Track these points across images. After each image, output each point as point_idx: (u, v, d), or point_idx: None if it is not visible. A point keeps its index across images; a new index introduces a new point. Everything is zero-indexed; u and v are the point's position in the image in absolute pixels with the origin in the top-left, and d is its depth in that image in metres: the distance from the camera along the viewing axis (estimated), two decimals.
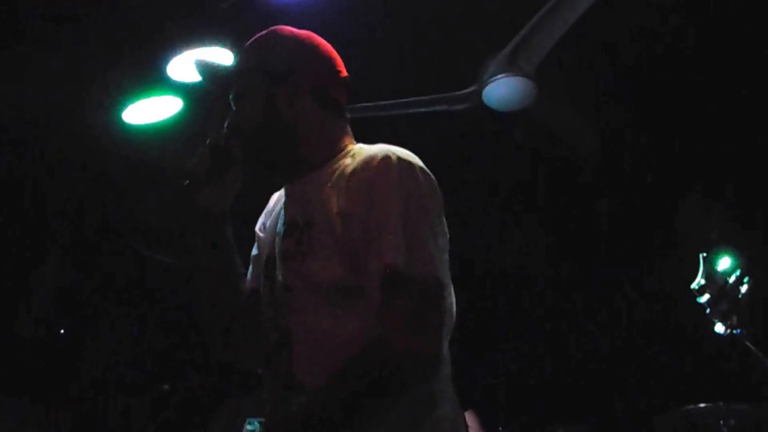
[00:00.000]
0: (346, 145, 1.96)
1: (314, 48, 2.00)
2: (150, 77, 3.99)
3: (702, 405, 3.95)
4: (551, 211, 5.27)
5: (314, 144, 1.95)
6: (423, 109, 4.05)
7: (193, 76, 3.91)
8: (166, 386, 4.92)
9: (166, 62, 3.86)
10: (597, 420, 5.24)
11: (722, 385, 4.40)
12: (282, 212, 1.97)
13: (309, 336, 1.79)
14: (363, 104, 3.85)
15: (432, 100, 4.05)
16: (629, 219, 5.22)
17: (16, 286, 5.05)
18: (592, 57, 4.26)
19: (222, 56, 3.84)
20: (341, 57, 2.03)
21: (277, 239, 1.93)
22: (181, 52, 3.82)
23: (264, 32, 2.03)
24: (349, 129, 2.02)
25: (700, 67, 4.34)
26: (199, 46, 3.82)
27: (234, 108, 1.99)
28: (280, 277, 1.88)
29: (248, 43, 2.03)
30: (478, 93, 4.03)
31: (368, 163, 1.80)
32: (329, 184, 1.85)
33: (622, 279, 5.42)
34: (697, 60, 4.30)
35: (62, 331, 5.24)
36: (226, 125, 1.97)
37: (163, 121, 4.23)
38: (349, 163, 1.86)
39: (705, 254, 3.28)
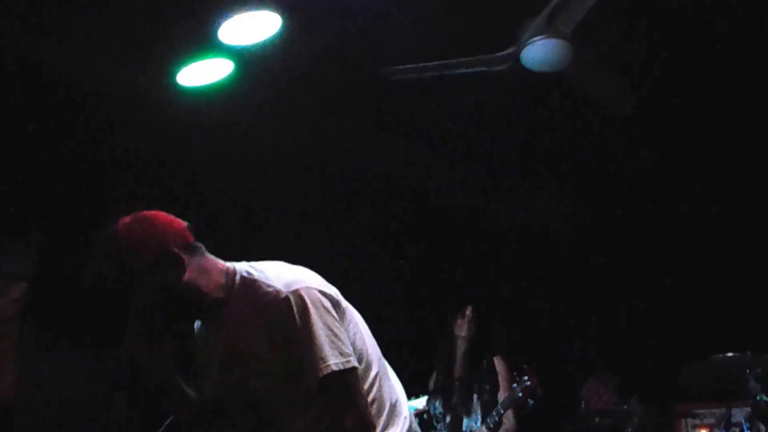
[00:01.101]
0: (222, 278, 2.30)
1: (152, 233, 2.26)
2: (202, 41, 4.19)
3: (729, 354, 4.08)
4: (585, 173, 5.37)
5: (204, 294, 2.28)
6: (461, 71, 4.16)
7: (243, 40, 4.14)
8: None
9: (218, 26, 4.05)
10: (626, 370, 5.37)
11: (749, 334, 4.51)
12: (208, 344, 2.38)
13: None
14: (401, 66, 4.00)
15: (470, 62, 4.15)
16: (662, 180, 5.30)
17: (78, 240, 5.29)
18: (629, 19, 4.33)
19: (270, 20, 4.02)
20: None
21: (217, 370, 2.35)
22: (231, 16, 4.00)
23: (121, 232, 2.27)
24: (206, 255, 2.35)
25: (739, 27, 4.34)
26: (248, 10, 4.00)
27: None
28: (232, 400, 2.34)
29: (119, 248, 2.26)
30: (517, 55, 4.12)
31: (272, 307, 2.21)
32: (246, 323, 2.25)
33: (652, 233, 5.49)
34: (737, 19, 4.29)
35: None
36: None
37: (215, 83, 4.44)
38: (248, 301, 2.26)
39: None
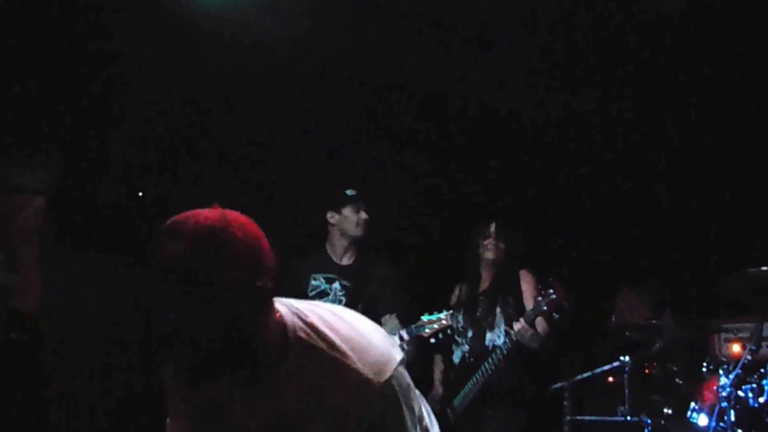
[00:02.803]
0: (282, 337, 1.84)
1: (259, 252, 1.80)
2: None
3: (763, 268, 3.96)
4: (635, 68, 5.13)
5: (265, 347, 1.82)
6: None
7: None
8: None
9: None
10: (662, 281, 5.25)
11: None
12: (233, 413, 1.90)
13: None
14: None
15: None
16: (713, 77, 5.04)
17: (95, 153, 5.27)
18: None
19: None
20: None
21: None
22: None
23: (212, 230, 1.75)
24: (275, 309, 1.87)
25: None
26: None
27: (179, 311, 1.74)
28: None
29: (202, 239, 1.74)
30: None
31: (354, 394, 1.79)
32: (308, 398, 1.82)
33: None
34: None
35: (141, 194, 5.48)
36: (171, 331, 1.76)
37: None
38: (313, 372, 1.82)
39: None
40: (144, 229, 5.08)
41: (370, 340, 1.87)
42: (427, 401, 2.03)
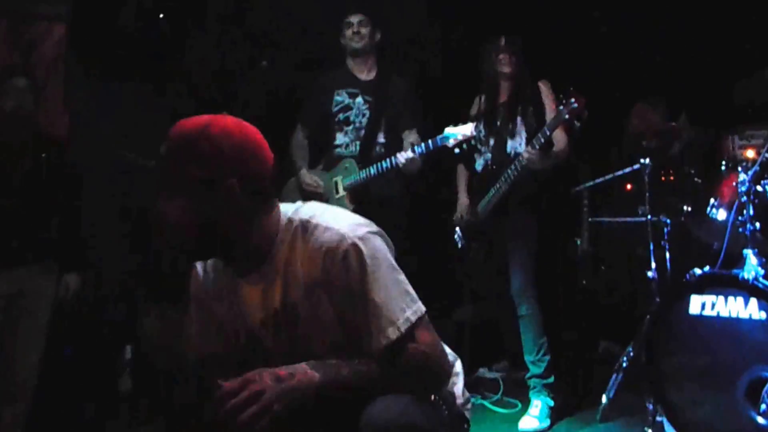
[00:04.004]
0: (277, 230, 2.12)
1: (244, 148, 2.04)
2: None
3: None
4: None
5: (251, 240, 2.10)
6: None
7: None
8: None
9: None
10: (673, 93, 5.21)
11: None
12: (238, 298, 2.18)
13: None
14: None
15: None
16: None
17: None
18: None
19: None
20: None
21: (247, 328, 2.17)
22: None
23: (195, 130, 2.03)
24: (277, 208, 2.16)
25: None
26: None
27: (161, 204, 2.03)
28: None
29: (177, 140, 2.03)
30: None
31: (330, 260, 2.05)
32: (286, 280, 2.10)
33: None
34: None
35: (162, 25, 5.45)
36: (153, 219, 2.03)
37: None
38: (295, 249, 2.10)
39: None
40: (163, 52, 5.10)
41: (348, 214, 2.17)
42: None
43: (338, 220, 2.11)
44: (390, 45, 4.99)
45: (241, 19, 5.61)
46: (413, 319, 2.05)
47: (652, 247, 4.33)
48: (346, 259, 2.04)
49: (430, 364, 2.07)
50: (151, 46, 5.32)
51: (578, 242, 5.40)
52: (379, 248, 2.09)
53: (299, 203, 2.21)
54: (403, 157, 4.47)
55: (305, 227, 2.11)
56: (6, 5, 5.14)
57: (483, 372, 5.02)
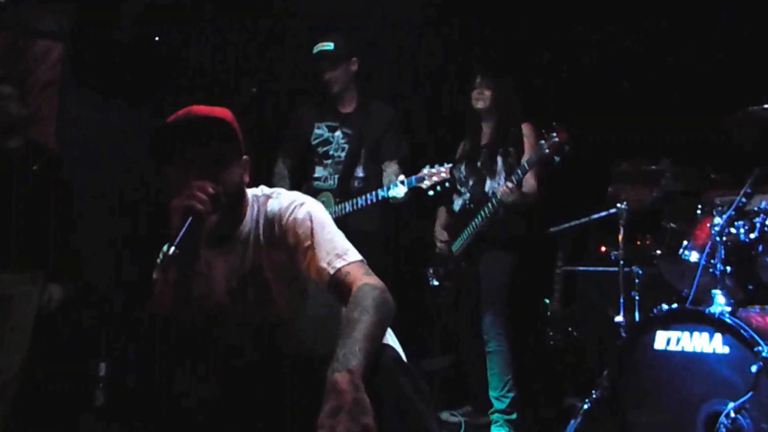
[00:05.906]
0: (246, 204, 2.42)
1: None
2: None
3: (766, 106, 3.90)
4: None
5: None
6: None
7: None
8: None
9: None
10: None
11: None
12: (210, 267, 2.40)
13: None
14: None
15: None
16: None
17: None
18: None
19: None
20: None
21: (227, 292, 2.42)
22: None
23: (223, 112, 2.34)
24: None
25: None
26: None
27: (213, 174, 2.26)
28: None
29: (217, 119, 2.31)
30: None
31: (285, 219, 2.36)
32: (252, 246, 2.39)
33: None
34: None
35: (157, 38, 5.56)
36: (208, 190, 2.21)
37: None
38: (257, 219, 2.40)
39: None
40: (158, 73, 5.18)
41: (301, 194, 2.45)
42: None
43: (292, 193, 2.44)
44: (374, 68, 4.99)
45: (235, 43, 5.70)
46: (358, 257, 2.29)
47: (622, 299, 4.31)
48: (296, 216, 2.34)
49: (381, 290, 2.17)
50: (147, 66, 5.41)
51: (547, 302, 5.40)
52: (323, 209, 2.41)
53: (262, 186, 2.51)
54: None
55: (265, 200, 2.42)
56: (8, 20, 5.24)
57: (446, 416, 4.94)
